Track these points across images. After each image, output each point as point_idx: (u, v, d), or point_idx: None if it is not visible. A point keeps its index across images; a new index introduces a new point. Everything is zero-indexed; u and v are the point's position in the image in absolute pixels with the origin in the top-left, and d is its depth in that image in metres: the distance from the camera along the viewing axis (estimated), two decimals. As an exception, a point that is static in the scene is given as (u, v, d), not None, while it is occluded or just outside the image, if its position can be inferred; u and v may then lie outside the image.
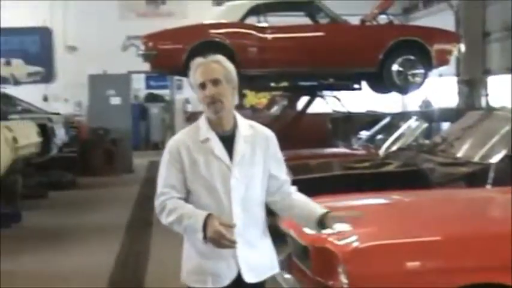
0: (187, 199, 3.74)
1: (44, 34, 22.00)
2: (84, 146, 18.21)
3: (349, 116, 14.77)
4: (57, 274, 8.34)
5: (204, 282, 3.73)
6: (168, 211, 3.68)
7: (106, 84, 19.10)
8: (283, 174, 3.92)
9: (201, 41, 11.81)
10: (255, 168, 3.76)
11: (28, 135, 11.81)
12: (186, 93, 22.01)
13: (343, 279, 4.31)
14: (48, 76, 21.77)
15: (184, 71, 12.29)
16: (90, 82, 19.23)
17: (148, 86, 26.26)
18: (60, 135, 14.88)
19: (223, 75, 3.70)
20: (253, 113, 17.69)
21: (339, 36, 12.35)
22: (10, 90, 18.90)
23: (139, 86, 24.82)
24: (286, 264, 5.39)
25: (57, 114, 16.87)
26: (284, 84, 13.98)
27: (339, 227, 3.91)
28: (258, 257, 3.77)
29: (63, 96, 21.54)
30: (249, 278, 3.73)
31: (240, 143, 3.74)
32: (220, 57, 3.80)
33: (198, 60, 3.78)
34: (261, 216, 3.84)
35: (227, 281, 3.71)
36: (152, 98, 26.36)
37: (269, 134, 3.88)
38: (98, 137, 18.55)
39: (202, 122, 3.79)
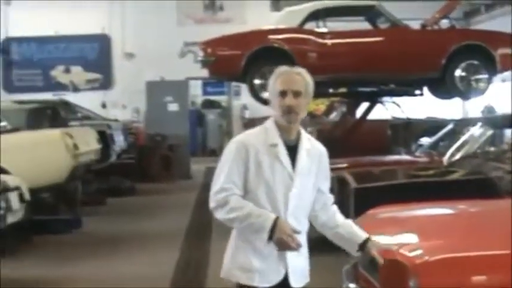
0: (243, 198, 3.83)
1: (102, 41, 22.18)
2: (142, 152, 18.30)
3: (409, 123, 14.53)
4: (117, 281, 8.31)
5: (251, 279, 3.83)
6: (231, 208, 3.77)
7: (164, 90, 19.17)
8: (328, 190, 4.08)
9: (260, 47, 11.74)
10: (309, 181, 3.89)
11: (88, 142, 11.87)
12: (243, 99, 21.97)
13: (414, 292, 4.17)
14: (106, 83, 21.93)
15: (242, 77, 12.35)
16: (148, 88, 19.32)
17: (205, 92, 26.32)
18: (119, 141, 14.95)
19: (304, 88, 3.81)
20: (312, 119, 17.54)
21: (400, 41, 12.11)
22: (69, 97, 19.11)
23: (196, 92, 24.88)
24: (352, 275, 5.28)
25: (116, 120, 16.98)
26: (343, 90, 13.81)
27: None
28: (302, 262, 3.94)
29: (121, 103, 21.67)
30: (294, 282, 3.86)
31: (303, 154, 3.86)
32: (302, 70, 3.88)
33: (282, 68, 3.88)
34: (306, 226, 3.96)
35: (273, 282, 3.83)
36: (209, 104, 26.40)
37: (323, 150, 4.01)
38: (155, 144, 18.61)
39: (271, 127, 3.87)
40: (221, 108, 26.26)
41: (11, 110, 13.23)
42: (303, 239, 3.90)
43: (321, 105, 21.03)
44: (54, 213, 11.64)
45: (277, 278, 3.82)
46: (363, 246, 4.00)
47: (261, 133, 3.87)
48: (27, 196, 8.97)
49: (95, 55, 22.20)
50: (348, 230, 4.04)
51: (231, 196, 3.77)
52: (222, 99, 25.99)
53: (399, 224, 5.39)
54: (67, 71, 21.99)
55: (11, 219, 8.45)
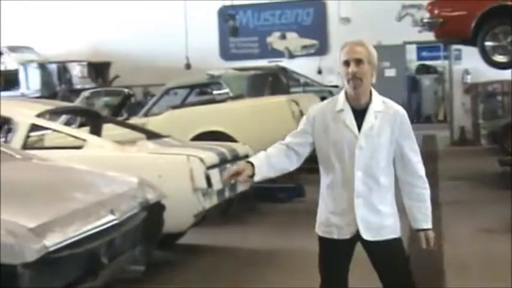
0: (301, 153, 4.33)
1: (318, 6, 21.73)
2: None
3: None
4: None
5: (330, 233, 4.30)
6: None
7: (380, 55, 18.19)
8: (411, 151, 4.28)
9: (491, 7, 10.96)
10: (381, 140, 4.21)
11: (312, 109, 11.58)
12: (465, 63, 20.83)
13: None
14: (322, 49, 21.44)
15: (472, 39, 11.58)
16: (364, 54, 18.78)
17: (419, 57, 25.39)
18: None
19: (365, 57, 4.18)
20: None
21: None
22: (284, 63, 19.03)
23: (410, 57, 24.08)
24: None
25: (336, 87, 16.66)
26: None
27: None
28: (378, 219, 4.23)
29: (337, 69, 21.16)
30: (366, 235, 4.22)
31: (370, 116, 4.21)
32: (364, 41, 4.28)
33: (347, 41, 4.31)
34: (385, 184, 4.26)
35: (348, 234, 4.23)
36: (424, 70, 25.53)
37: (400, 111, 4.30)
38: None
39: (341, 95, 4.31)
40: (437, 73, 25.31)
41: (232, 77, 13.24)
42: (386, 196, 4.25)
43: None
44: (277, 181, 11.51)
45: (351, 230, 4.22)
46: (416, 232, 4.34)
47: (331, 102, 4.37)
48: (255, 164, 8.83)
49: (310, 21, 21.82)
50: (409, 207, 4.29)
51: (279, 145, 4.36)
52: (437, 64, 25.00)
53: None
54: (283, 37, 21.81)
55: (241, 187, 8.34)
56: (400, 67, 18.87)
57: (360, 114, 4.22)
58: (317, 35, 21.72)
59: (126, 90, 12.43)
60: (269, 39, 21.94)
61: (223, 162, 7.90)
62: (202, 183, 7.19)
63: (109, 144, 7.57)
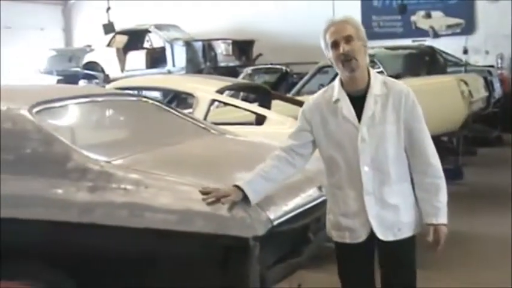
0: (305, 154, 4.07)
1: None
2: (508, 100, 17.27)
3: None
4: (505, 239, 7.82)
5: (342, 237, 4.00)
6: None
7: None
8: (418, 132, 3.89)
9: None
10: (386, 127, 3.82)
11: (478, 89, 11.30)
12: None
13: None
14: (468, 28, 20.88)
15: None
16: (514, 33, 18.29)
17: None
18: (497, 88, 14.21)
19: (354, 33, 3.79)
20: None
21: None
22: (428, 43, 18.68)
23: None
24: None
25: (492, 66, 16.24)
26: None
27: None
28: (392, 215, 3.87)
29: (483, 49, 20.71)
30: (382, 235, 3.87)
31: (370, 103, 3.81)
32: (348, 17, 3.89)
33: (328, 20, 3.87)
34: (397, 175, 3.86)
35: (363, 236, 3.90)
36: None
37: (404, 90, 3.88)
38: (521, 91, 17.58)
39: (336, 84, 3.92)
40: None
41: (386, 55, 13.09)
42: (400, 188, 3.88)
43: None
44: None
45: (364, 232, 3.89)
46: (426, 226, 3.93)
47: (326, 92, 3.97)
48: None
49: (457, -1, 21.44)
50: (420, 198, 3.93)
51: (276, 152, 4.10)
52: None
53: None
54: (428, 16, 21.32)
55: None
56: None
57: (359, 102, 3.84)
58: (463, 14, 21.13)
59: (284, 68, 12.48)
60: (413, 18, 21.53)
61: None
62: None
63: (289, 121, 7.59)
